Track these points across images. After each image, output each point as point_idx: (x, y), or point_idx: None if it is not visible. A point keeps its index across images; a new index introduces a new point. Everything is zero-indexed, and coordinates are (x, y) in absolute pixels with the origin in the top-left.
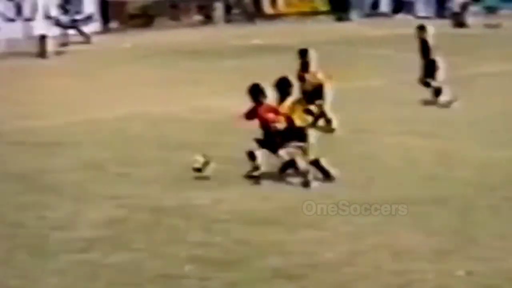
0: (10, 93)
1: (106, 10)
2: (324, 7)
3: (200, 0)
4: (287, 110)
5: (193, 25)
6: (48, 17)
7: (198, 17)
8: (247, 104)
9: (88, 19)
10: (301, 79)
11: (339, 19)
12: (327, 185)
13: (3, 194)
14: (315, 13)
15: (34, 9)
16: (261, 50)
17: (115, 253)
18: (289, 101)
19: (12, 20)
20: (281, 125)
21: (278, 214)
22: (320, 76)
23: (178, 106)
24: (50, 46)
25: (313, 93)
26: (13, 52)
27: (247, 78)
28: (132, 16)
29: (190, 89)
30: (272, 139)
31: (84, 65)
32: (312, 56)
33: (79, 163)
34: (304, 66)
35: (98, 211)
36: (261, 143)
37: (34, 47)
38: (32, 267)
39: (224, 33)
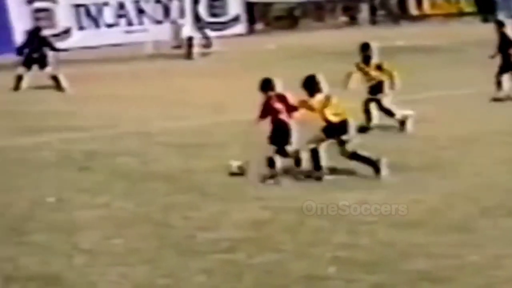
0: (157, 94)
1: (251, 11)
2: (470, 8)
3: (346, 1)
4: (319, 106)
5: (338, 26)
6: (195, 18)
7: (343, 18)
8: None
9: (234, 21)
10: (364, 73)
11: (485, 20)
12: (471, 188)
13: (151, 194)
14: (461, 14)
15: (182, 11)
16: (406, 52)
17: (260, 254)
18: (318, 97)
19: (159, 22)
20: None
21: (423, 216)
22: (381, 69)
23: None
24: (197, 47)
25: (375, 87)
26: (160, 54)
27: None
28: (277, 18)
29: (333, 90)
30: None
31: (229, 66)
32: (374, 50)
33: (224, 164)
34: (366, 60)
35: (243, 212)
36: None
37: (181, 49)
38: (179, 267)
39: (369, 35)
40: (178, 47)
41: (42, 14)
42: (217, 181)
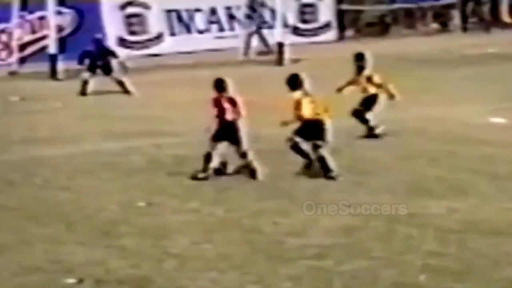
0: (247, 100)
1: (342, 18)
2: None
3: (437, 8)
4: (293, 104)
5: (429, 33)
6: (285, 25)
7: (434, 26)
8: (481, 112)
9: (325, 27)
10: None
11: None
12: None
13: (240, 199)
14: None
15: (273, 17)
16: (497, 59)
17: (350, 261)
18: (295, 94)
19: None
20: None
21: None
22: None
23: (412, 115)
24: (287, 53)
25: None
26: (251, 60)
27: (483, 86)
28: (368, 25)
29: (424, 97)
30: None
31: (320, 72)
32: (368, 60)
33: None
34: (360, 70)
35: (333, 219)
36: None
37: (271, 55)
38: (268, 273)
39: (460, 42)
40: (265, 53)
41: (134, 20)
42: (307, 187)
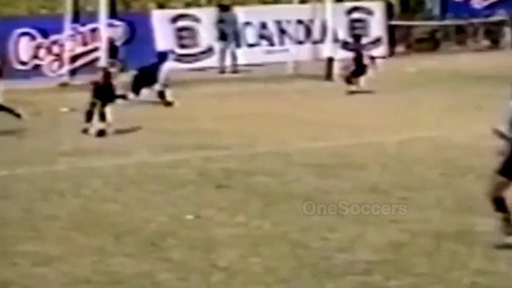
0: (297, 114)
1: (393, 33)
2: None
3: (488, 25)
4: None
5: (480, 50)
6: (336, 39)
7: (485, 42)
8: None
9: (376, 42)
10: None
11: None
12: None
13: (288, 214)
14: None
15: (324, 31)
16: None
17: (397, 277)
18: None
19: (301, 42)
20: None
21: None
22: None
23: (462, 132)
24: (337, 68)
25: None
26: (300, 74)
27: None
28: (419, 40)
29: (475, 114)
30: None
31: (370, 88)
32: None
33: (363, 185)
34: None
35: (380, 235)
36: None
37: (321, 70)
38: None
39: (511, 59)
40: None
41: (185, 33)
42: (355, 202)
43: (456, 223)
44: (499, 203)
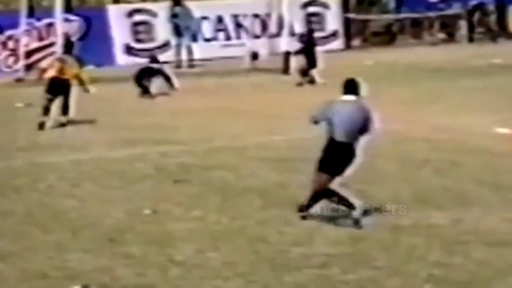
0: (254, 108)
1: (348, 27)
2: None
3: (444, 18)
4: None
5: (435, 43)
6: (292, 33)
7: (440, 35)
8: (487, 122)
9: (332, 36)
10: None
11: None
12: None
13: (245, 208)
14: None
15: (280, 25)
16: (503, 70)
17: (354, 270)
18: None
19: (257, 36)
20: None
21: None
22: None
23: (419, 125)
24: (294, 62)
25: None
26: (257, 68)
27: (489, 97)
28: (375, 34)
29: (431, 107)
30: None
31: (327, 81)
32: None
33: None
34: None
35: (337, 228)
36: None
37: (278, 63)
38: (273, 281)
39: (466, 52)
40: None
41: (141, 28)
42: None
43: (413, 216)
44: (328, 192)
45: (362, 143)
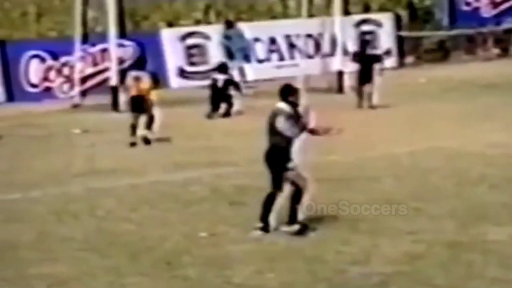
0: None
1: (402, 45)
2: None
3: (498, 34)
4: None
5: (489, 59)
6: (345, 52)
7: (494, 51)
8: None
9: (385, 54)
10: None
11: None
12: None
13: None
14: None
15: (333, 45)
16: None
17: None
18: None
19: (310, 56)
20: None
21: None
22: None
23: (474, 141)
24: (347, 81)
25: None
26: (310, 88)
27: None
28: (428, 51)
29: (486, 124)
30: None
31: (380, 99)
32: None
33: (376, 197)
34: None
35: (395, 246)
36: None
37: (331, 83)
38: None
39: None
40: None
41: (195, 51)
42: (369, 214)
43: (470, 233)
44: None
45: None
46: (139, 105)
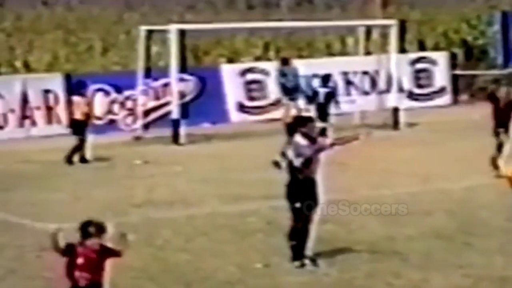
0: (363, 163)
1: (456, 83)
2: None
3: None
4: None
5: None
6: (401, 89)
7: None
8: None
9: (440, 92)
10: None
11: None
12: None
13: (354, 261)
14: None
15: (389, 81)
16: None
17: None
18: None
19: (367, 93)
20: None
21: None
22: None
23: None
24: (403, 118)
25: None
26: (366, 124)
27: None
28: (482, 89)
29: None
30: None
31: (434, 136)
32: None
33: (427, 231)
34: None
35: (444, 280)
36: None
37: (387, 119)
38: None
39: None
40: None
41: (254, 86)
42: (419, 248)
43: None
44: None
45: None
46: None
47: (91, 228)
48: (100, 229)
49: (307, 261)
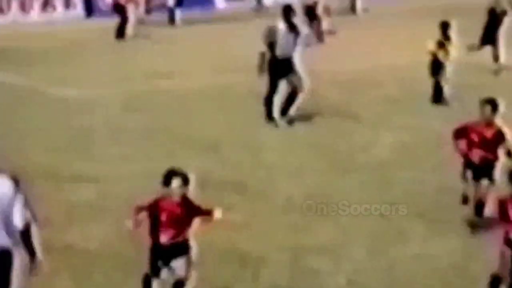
0: (327, 46)
1: None
2: None
3: None
4: None
5: None
6: None
7: None
8: None
9: None
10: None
11: None
12: None
13: (318, 121)
14: None
15: None
16: None
17: None
18: None
19: None
20: None
21: None
22: None
23: None
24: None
25: None
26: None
27: None
28: None
29: None
30: None
31: (386, 20)
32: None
33: (378, 98)
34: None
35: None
36: None
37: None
38: None
39: None
40: None
41: None
42: (371, 111)
43: None
44: None
45: None
46: None
47: (174, 178)
48: (185, 180)
49: (281, 121)
